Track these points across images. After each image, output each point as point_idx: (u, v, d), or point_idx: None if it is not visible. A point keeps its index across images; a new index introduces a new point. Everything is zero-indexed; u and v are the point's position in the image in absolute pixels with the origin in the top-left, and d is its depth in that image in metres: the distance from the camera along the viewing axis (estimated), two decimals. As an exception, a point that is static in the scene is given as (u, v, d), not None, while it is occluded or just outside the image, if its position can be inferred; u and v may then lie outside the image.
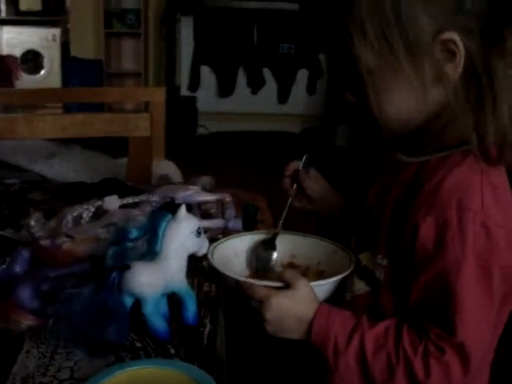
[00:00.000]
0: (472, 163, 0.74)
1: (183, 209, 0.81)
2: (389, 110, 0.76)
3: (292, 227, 0.97)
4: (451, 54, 0.72)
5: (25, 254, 0.93)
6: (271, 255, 0.95)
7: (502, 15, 0.72)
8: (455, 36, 0.71)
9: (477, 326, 0.71)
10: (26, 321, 0.85)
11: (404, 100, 0.75)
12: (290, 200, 0.99)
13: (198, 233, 0.82)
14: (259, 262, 0.94)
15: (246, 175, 3.69)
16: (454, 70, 0.72)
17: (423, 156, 0.79)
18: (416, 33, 0.71)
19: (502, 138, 0.73)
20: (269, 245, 0.95)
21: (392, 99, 0.75)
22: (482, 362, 0.76)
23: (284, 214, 0.97)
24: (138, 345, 0.82)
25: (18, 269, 0.91)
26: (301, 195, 1.01)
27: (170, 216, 0.81)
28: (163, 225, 0.80)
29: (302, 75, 5.52)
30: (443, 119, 0.75)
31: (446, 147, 0.76)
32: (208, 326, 0.88)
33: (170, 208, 0.82)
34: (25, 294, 0.87)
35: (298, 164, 1.00)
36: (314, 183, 1.01)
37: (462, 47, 0.71)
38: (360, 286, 0.84)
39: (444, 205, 0.71)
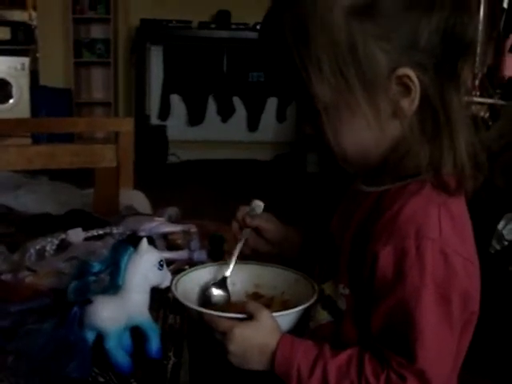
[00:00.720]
0: (429, 192, 0.75)
1: (145, 242, 0.81)
2: (345, 144, 0.77)
3: (255, 257, 0.97)
4: (406, 89, 0.73)
5: (-15, 289, 0.92)
6: (224, 298, 0.92)
7: (455, 50, 0.73)
8: (410, 72, 0.72)
9: (437, 353, 0.72)
10: (-15, 358, 0.83)
11: (361, 135, 0.76)
12: (239, 244, 0.95)
13: (160, 265, 0.82)
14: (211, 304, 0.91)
15: (217, 204, 3.68)
16: (410, 104, 0.73)
17: (383, 185, 0.80)
18: (372, 69, 0.72)
19: (460, 170, 0.74)
20: (220, 286, 0.93)
21: (349, 134, 0.76)
22: None
23: (233, 258, 0.94)
24: (101, 379, 0.81)
25: (-23, 305, 0.90)
26: (257, 236, 0.97)
27: (132, 249, 0.81)
28: (125, 258, 0.80)
29: (272, 103, 5.58)
30: (400, 151, 0.76)
31: (405, 176, 0.78)
32: (172, 358, 0.87)
33: (133, 241, 0.82)
34: (-16, 330, 0.85)
35: (247, 208, 0.98)
36: (272, 225, 0.98)
37: (416, 82, 0.72)
38: (323, 316, 0.84)
39: (402, 233, 0.72)
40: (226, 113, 5.56)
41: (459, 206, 0.78)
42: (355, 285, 0.78)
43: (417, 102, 0.73)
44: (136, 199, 1.90)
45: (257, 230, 0.97)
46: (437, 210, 0.74)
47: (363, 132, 0.75)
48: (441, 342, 0.72)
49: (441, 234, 0.72)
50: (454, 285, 0.72)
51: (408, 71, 0.72)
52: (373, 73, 0.72)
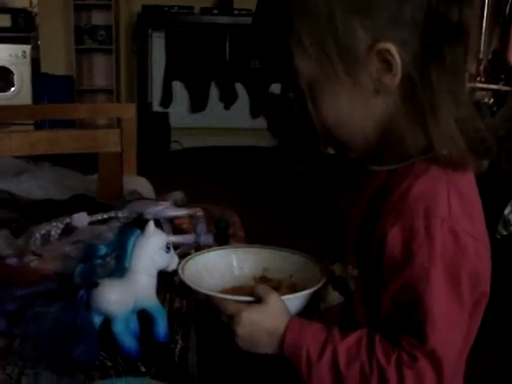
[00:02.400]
0: (437, 171, 0.74)
1: (151, 224, 0.80)
2: (328, 123, 0.76)
3: (263, 242, 0.96)
4: (388, 65, 0.72)
5: (-10, 273, 0.92)
6: None
7: (440, 29, 0.72)
8: (391, 46, 0.71)
9: (448, 332, 0.71)
10: (-8, 342, 0.83)
11: (343, 113, 0.75)
12: None
13: (167, 248, 0.81)
14: None
15: (219, 190, 3.68)
16: (392, 80, 0.73)
17: (391, 165, 0.79)
18: (351, 43, 0.72)
19: (453, 147, 0.73)
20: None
21: (331, 112, 0.76)
22: (455, 371, 0.76)
23: None
24: (109, 363, 0.80)
25: (-17, 289, 0.89)
26: None
27: (139, 232, 0.80)
28: (132, 241, 0.79)
29: (275, 89, 5.54)
30: (390, 132, 0.76)
31: (410, 156, 0.77)
32: (179, 342, 0.86)
33: (139, 224, 0.81)
34: (-10, 314, 0.85)
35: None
36: None
37: (397, 57, 0.72)
38: (334, 297, 0.84)
39: (411, 213, 0.71)
40: (228, 99, 5.54)
41: (468, 184, 0.77)
42: (364, 266, 0.78)
43: (398, 77, 0.73)
44: (139, 185, 1.88)
45: None
46: (445, 188, 0.73)
47: (346, 110, 0.75)
48: (451, 321, 0.72)
49: (450, 213, 0.71)
50: (464, 264, 0.71)
51: (389, 46, 0.71)
52: (352, 47, 0.72)
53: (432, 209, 0.71)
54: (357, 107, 0.75)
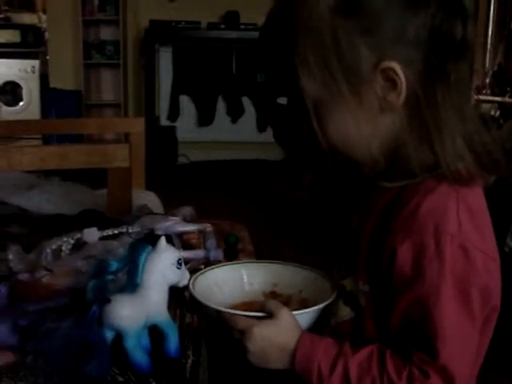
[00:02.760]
0: (446, 188, 0.75)
1: (163, 240, 0.80)
2: (334, 141, 0.77)
3: (271, 255, 0.97)
4: (392, 83, 0.73)
5: (2, 288, 0.92)
6: None
7: (443, 47, 0.73)
8: (395, 65, 0.72)
9: (459, 349, 0.71)
10: (4, 357, 0.83)
11: (349, 132, 0.76)
12: None
13: (179, 264, 0.81)
14: None
15: (227, 204, 3.68)
16: (397, 98, 0.74)
17: (401, 181, 0.79)
18: (355, 62, 0.73)
19: (460, 163, 0.74)
20: None
21: (336, 131, 0.76)
22: None
23: None
24: (120, 379, 0.81)
25: (-5, 304, 0.90)
26: None
27: (150, 247, 0.80)
28: (143, 256, 0.80)
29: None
30: (404, 147, 0.76)
31: (420, 172, 0.77)
32: (191, 357, 0.87)
33: (150, 239, 0.82)
34: (2, 329, 0.85)
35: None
36: None
37: (402, 76, 0.72)
38: (346, 312, 0.84)
39: (421, 229, 0.72)
40: (235, 113, 5.56)
41: (477, 198, 0.78)
42: (374, 282, 0.78)
43: (403, 95, 0.73)
44: (148, 200, 1.89)
45: None
46: (455, 204, 0.73)
47: (352, 128, 0.76)
48: (462, 337, 0.72)
49: (460, 229, 0.72)
50: (474, 280, 0.72)
51: (393, 64, 0.72)
52: (357, 66, 0.73)
53: (442, 225, 0.71)
54: (362, 126, 0.75)
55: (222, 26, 5.39)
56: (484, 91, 4.67)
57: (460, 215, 0.73)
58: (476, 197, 0.77)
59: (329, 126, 0.76)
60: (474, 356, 0.75)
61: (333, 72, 0.73)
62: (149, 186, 2.26)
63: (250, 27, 5.29)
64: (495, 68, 5.01)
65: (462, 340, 0.72)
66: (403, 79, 0.72)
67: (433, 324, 0.70)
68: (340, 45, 0.72)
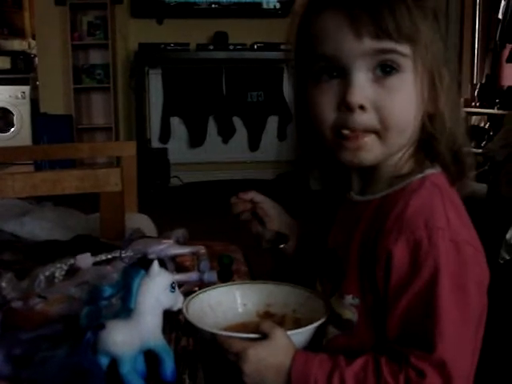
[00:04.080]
0: (430, 187, 0.78)
1: (156, 265, 0.80)
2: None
3: (265, 276, 0.97)
4: None
5: (-4, 317, 0.92)
6: None
7: None
8: None
9: (456, 342, 0.72)
10: (-1, 387, 0.83)
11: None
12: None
13: (172, 288, 0.81)
14: None
15: (220, 225, 3.67)
16: None
17: (379, 192, 0.81)
18: None
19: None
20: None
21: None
22: None
23: None
24: (116, 405, 0.80)
25: (-11, 333, 0.89)
26: (254, 219, 1.02)
27: (144, 272, 0.80)
28: (136, 281, 0.80)
29: (272, 122, 5.60)
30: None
31: (401, 176, 0.80)
32: (187, 381, 0.86)
33: (143, 264, 0.82)
34: (-3, 359, 0.85)
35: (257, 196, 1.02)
36: (267, 200, 1.03)
37: None
38: (330, 330, 0.85)
39: (412, 226, 0.74)
40: (226, 133, 5.58)
41: (458, 197, 0.80)
42: (366, 293, 0.78)
43: None
44: (141, 223, 1.89)
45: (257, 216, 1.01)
46: (441, 201, 0.76)
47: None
48: (459, 330, 0.72)
49: (449, 224, 0.74)
50: (468, 273, 0.73)
51: None
52: None
53: (431, 221, 0.73)
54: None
55: (211, 47, 5.42)
56: (473, 103, 4.71)
57: (447, 211, 0.75)
58: (457, 194, 0.80)
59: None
60: (471, 353, 0.75)
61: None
62: (141, 209, 2.26)
63: (238, 47, 5.33)
64: (483, 80, 5.06)
65: (459, 333, 0.72)
66: None
67: (431, 316, 0.71)
68: None
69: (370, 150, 0.78)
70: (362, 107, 0.76)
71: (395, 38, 0.74)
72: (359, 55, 0.76)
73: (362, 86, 0.76)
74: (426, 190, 0.77)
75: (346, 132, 0.78)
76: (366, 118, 0.77)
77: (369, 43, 0.75)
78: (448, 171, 0.80)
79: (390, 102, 0.76)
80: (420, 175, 0.79)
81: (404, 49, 0.75)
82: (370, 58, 0.76)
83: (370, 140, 0.78)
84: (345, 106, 0.77)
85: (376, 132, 0.78)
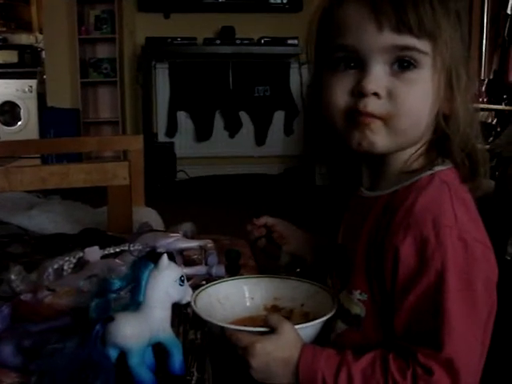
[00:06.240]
0: (438, 183, 0.77)
1: (165, 258, 0.80)
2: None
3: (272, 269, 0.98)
4: None
5: (5, 309, 0.92)
6: None
7: None
8: None
9: (464, 339, 0.72)
10: (8, 379, 0.83)
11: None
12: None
13: (181, 281, 0.82)
14: None
15: (227, 219, 3.68)
16: None
17: (388, 188, 0.81)
18: None
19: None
20: None
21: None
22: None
23: None
24: (125, 398, 0.80)
25: (-2, 325, 0.90)
26: (268, 244, 1.05)
27: (152, 265, 0.81)
28: (146, 274, 0.80)
29: (279, 116, 5.59)
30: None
31: (411, 172, 0.80)
32: (195, 374, 0.86)
33: (152, 257, 0.82)
34: (6, 350, 0.85)
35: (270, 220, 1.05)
36: (279, 221, 1.06)
37: None
38: (338, 325, 0.85)
39: (419, 223, 0.74)
40: (233, 128, 5.57)
41: (467, 193, 0.80)
42: (375, 288, 0.78)
43: None
44: (149, 217, 1.90)
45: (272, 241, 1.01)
46: (449, 198, 0.75)
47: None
48: (467, 328, 0.72)
49: (456, 221, 0.73)
50: (476, 271, 0.73)
51: None
52: None
53: (439, 218, 0.73)
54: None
55: (218, 42, 5.41)
56: (480, 99, 4.69)
57: (455, 208, 0.75)
58: (466, 190, 0.80)
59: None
60: (479, 350, 0.75)
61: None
62: (148, 203, 2.26)
63: (245, 42, 5.32)
64: (491, 76, 5.03)
65: (466, 331, 0.72)
66: None
67: (439, 313, 0.71)
68: None
69: (378, 133, 0.78)
70: (376, 94, 0.76)
71: (416, 32, 0.74)
72: (379, 49, 0.75)
73: (379, 76, 0.76)
74: (434, 187, 0.77)
75: (356, 115, 0.78)
76: (378, 103, 0.76)
77: (389, 36, 0.74)
78: (460, 170, 0.80)
79: (405, 92, 0.76)
80: (429, 172, 0.79)
81: (424, 46, 0.75)
82: (388, 53, 0.75)
83: (379, 124, 0.78)
84: (358, 92, 0.77)
85: (386, 119, 0.77)
